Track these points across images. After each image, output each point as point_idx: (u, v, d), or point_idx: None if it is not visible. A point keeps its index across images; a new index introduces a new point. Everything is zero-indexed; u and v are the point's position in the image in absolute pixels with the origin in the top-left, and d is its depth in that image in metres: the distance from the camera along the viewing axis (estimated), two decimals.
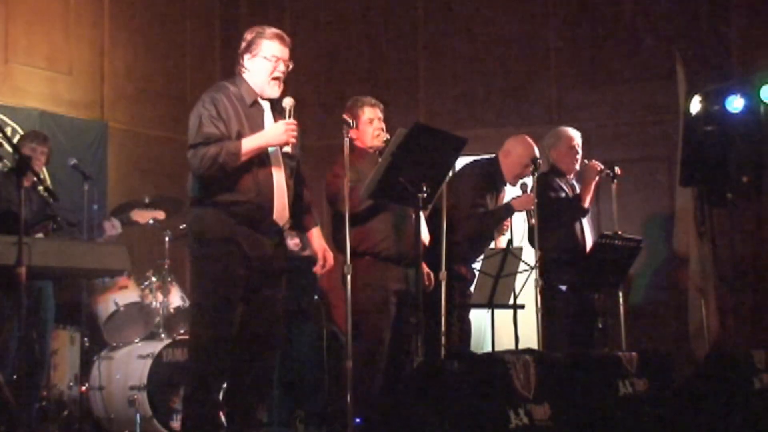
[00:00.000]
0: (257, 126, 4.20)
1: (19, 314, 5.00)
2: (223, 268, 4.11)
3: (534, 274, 5.33)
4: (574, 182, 6.01)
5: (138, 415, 5.55)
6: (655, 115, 7.46)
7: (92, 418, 5.76)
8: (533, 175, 5.55)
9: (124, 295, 5.88)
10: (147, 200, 5.98)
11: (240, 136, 4.10)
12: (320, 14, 8.52)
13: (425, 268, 4.96)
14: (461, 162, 5.76)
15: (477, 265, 5.40)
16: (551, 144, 6.01)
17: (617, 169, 5.75)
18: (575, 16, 7.83)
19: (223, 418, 4.37)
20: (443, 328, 4.84)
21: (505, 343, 5.39)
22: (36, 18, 7.08)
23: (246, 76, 4.26)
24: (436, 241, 4.93)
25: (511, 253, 5.26)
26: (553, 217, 5.73)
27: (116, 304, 5.84)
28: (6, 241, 4.24)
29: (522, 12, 7.95)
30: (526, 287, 5.40)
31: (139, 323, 5.98)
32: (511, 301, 5.38)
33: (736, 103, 6.62)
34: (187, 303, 6.08)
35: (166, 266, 6.06)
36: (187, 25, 8.19)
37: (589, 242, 5.84)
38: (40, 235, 5.30)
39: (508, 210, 5.54)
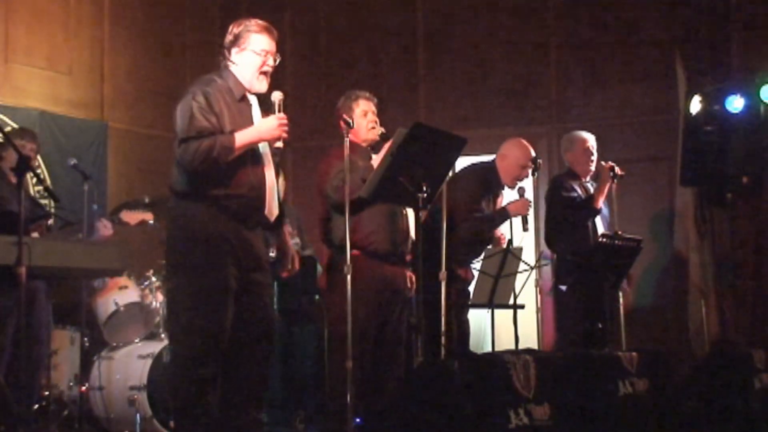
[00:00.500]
0: (246, 121, 4.12)
1: (19, 314, 5.01)
2: (213, 267, 3.97)
3: (534, 274, 5.34)
4: (588, 185, 6.05)
5: (138, 415, 5.54)
6: (655, 115, 7.46)
7: (92, 418, 5.76)
8: (533, 175, 5.57)
9: (124, 295, 5.88)
10: (147, 200, 5.98)
11: (232, 130, 4.01)
12: (320, 14, 8.52)
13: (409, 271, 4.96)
14: (461, 162, 5.77)
15: (477, 265, 5.40)
16: (566, 148, 6.13)
17: (617, 169, 5.78)
18: (575, 16, 7.82)
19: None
20: (443, 328, 4.84)
21: (505, 343, 5.40)
22: (36, 18, 7.08)
23: (233, 69, 4.15)
24: (435, 242, 4.93)
25: (511, 253, 5.26)
26: (566, 217, 5.79)
27: (116, 304, 5.84)
28: (6, 241, 4.23)
29: (522, 12, 7.95)
30: (526, 287, 5.41)
31: (139, 323, 5.98)
32: (511, 301, 5.39)
33: (736, 103, 6.62)
34: None
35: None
36: (187, 25, 8.19)
37: None
38: (35, 234, 5.29)
39: (503, 215, 5.54)
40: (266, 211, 4.14)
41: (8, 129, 5.85)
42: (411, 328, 4.82)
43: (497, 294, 5.31)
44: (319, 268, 6.80)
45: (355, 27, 8.43)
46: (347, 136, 4.53)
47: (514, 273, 5.31)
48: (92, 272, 5.28)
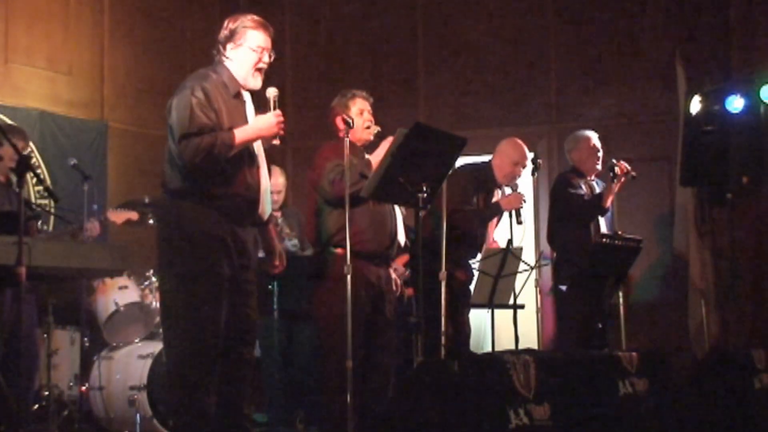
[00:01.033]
0: (241, 118, 4.09)
1: (18, 314, 5.01)
2: (208, 266, 3.95)
3: (534, 274, 5.34)
4: (594, 183, 6.05)
5: (138, 415, 5.55)
6: (655, 115, 7.46)
7: (92, 418, 5.76)
8: (533, 175, 5.57)
9: (124, 295, 5.88)
10: (147, 200, 5.97)
11: (230, 127, 3.99)
12: (320, 14, 8.52)
13: (395, 273, 4.95)
14: (461, 162, 5.77)
15: (477, 266, 5.40)
16: (571, 147, 6.14)
17: (617, 169, 5.78)
18: (575, 16, 7.82)
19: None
20: (443, 328, 4.83)
21: (505, 343, 5.40)
22: (36, 18, 7.08)
23: (228, 64, 4.13)
24: (435, 242, 4.93)
25: (511, 253, 5.26)
26: (571, 215, 5.80)
27: (116, 304, 5.84)
28: (5, 241, 4.23)
29: (522, 12, 7.95)
30: (526, 287, 5.41)
31: (139, 323, 5.98)
32: (511, 301, 5.39)
33: (736, 103, 6.63)
34: None
35: None
36: (187, 25, 8.19)
37: None
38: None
39: (496, 209, 5.56)
40: (260, 211, 4.14)
41: None
42: (411, 328, 4.81)
43: (497, 294, 5.31)
44: None
45: (355, 27, 8.42)
46: (347, 136, 4.52)
47: (514, 273, 5.31)
48: (92, 272, 5.27)
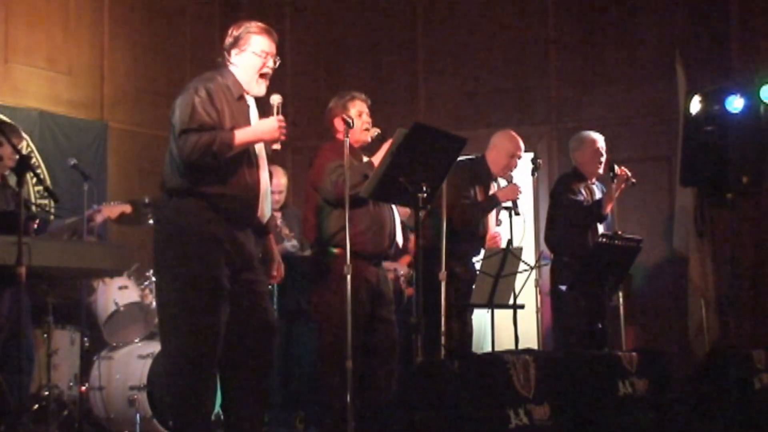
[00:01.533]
0: (244, 121, 4.11)
1: (18, 314, 5.01)
2: (206, 266, 3.94)
3: (534, 274, 5.34)
4: (594, 186, 6.05)
5: (138, 415, 5.54)
6: (655, 115, 7.46)
7: (92, 418, 5.75)
8: (533, 175, 5.57)
9: (124, 295, 5.87)
10: (147, 200, 5.97)
11: (232, 127, 4.00)
12: (320, 14, 8.53)
13: (399, 272, 4.96)
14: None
15: (477, 265, 5.40)
16: (575, 147, 6.13)
17: (617, 169, 5.77)
18: (575, 16, 7.83)
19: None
20: (443, 328, 4.83)
21: (505, 343, 5.39)
22: (36, 18, 7.08)
23: (233, 70, 4.15)
24: (435, 242, 4.94)
25: (511, 253, 5.26)
26: (570, 221, 5.80)
27: (116, 304, 5.83)
28: (6, 240, 4.23)
29: (522, 11, 7.95)
30: (526, 287, 5.40)
31: (139, 323, 5.97)
32: (511, 301, 5.39)
33: (736, 103, 6.63)
34: None
35: None
36: (187, 26, 8.19)
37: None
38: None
39: (493, 201, 5.57)
40: (258, 213, 4.13)
41: None
42: (411, 328, 4.81)
43: (497, 294, 5.31)
44: None
45: (355, 27, 8.42)
46: (347, 136, 4.52)
47: (514, 273, 5.31)
48: (92, 272, 5.28)
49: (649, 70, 7.52)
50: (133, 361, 5.71)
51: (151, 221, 6.02)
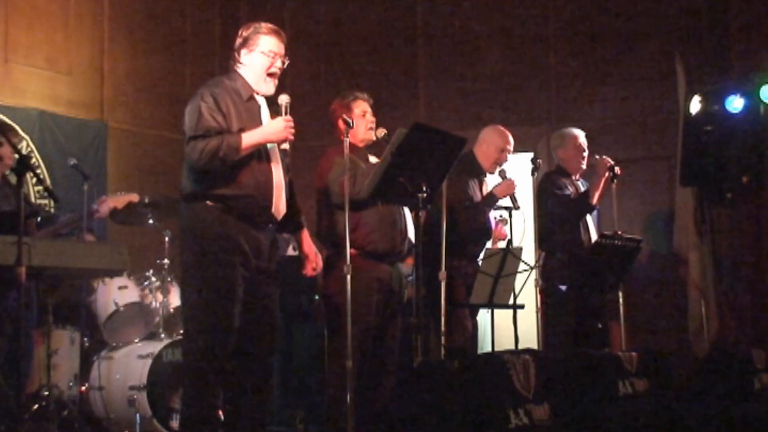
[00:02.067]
0: (255, 121, 4.18)
1: (18, 314, 5.00)
2: (222, 268, 4.04)
3: (534, 274, 5.34)
4: (579, 183, 6.05)
5: (138, 415, 5.54)
6: (655, 115, 7.46)
7: (92, 418, 5.75)
8: (533, 175, 5.56)
9: (124, 295, 5.87)
10: (147, 200, 5.98)
11: (240, 131, 4.08)
12: (320, 14, 8.52)
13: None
14: None
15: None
16: (557, 144, 6.12)
17: (617, 169, 5.78)
18: (575, 16, 7.82)
19: (221, 417, 4.34)
20: (443, 328, 4.84)
21: (505, 343, 5.39)
22: (36, 18, 7.08)
23: (241, 71, 4.23)
24: (436, 241, 4.94)
25: (511, 253, 5.26)
26: (560, 215, 5.77)
27: (116, 304, 5.83)
28: (6, 240, 4.23)
29: (522, 11, 7.95)
30: (526, 287, 5.40)
31: (139, 323, 5.98)
32: (511, 301, 5.39)
33: (736, 103, 6.62)
34: None
35: (166, 266, 6.06)
36: (187, 25, 8.19)
37: (593, 240, 5.86)
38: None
39: (491, 198, 5.56)
40: (273, 210, 4.18)
41: None
42: (411, 328, 4.81)
43: (497, 294, 5.31)
44: None
45: (355, 27, 8.42)
46: (347, 136, 4.53)
47: (514, 273, 5.31)
48: (92, 272, 5.28)
49: (649, 70, 7.51)
50: (133, 361, 5.71)
51: (151, 221, 6.05)
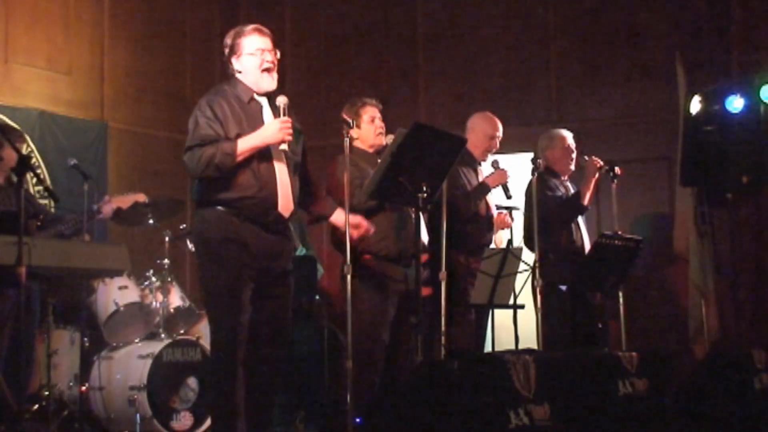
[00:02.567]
0: (257, 123, 4.21)
1: (18, 314, 5.01)
2: (230, 270, 4.10)
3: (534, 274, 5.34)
4: (568, 183, 6.04)
5: (138, 415, 5.55)
6: (655, 115, 7.46)
7: (92, 418, 5.75)
8: (533, 175, 5.55)
9: (124, 295, 5.87)
10: (147, 200, 5.97)
11: (239, 136, 4.11)
12: (320, 14, 8.52)
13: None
14: None
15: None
16: (545, 146, 6.09)
17: (617, 169, 5.77)
18: (576, 16, 7.83)
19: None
20: (443, 328, 4.84)
21: (505, 343, 5.40)
22: (36, 18, 7.08)
23: (239, 77, 4.28)
24: (437, 240, 4.94)
25: (511, 253, 5.26)
26: (552, 216, 5.75)
27: (116, 304, 5.83)
28: (6, 240, 4.23)
29: (522, 12, 7.95)
30: (526, 287, 5.40)
31: (139, 323, 5.98)
32: (511, 301, 5.39)
33: (736, 103, 6.63)
34: (187, 303, 6.09)
35: (166, 266, 6.06)
36: (187, 25, 8.19)
37: (585, 241, 5.86)
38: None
39: (484, 188, 5.55)
40: (280, 209, 4.20)
41: None
42: (411, 328, 4.82)
43: (497, 294, 5.31)
44: (320, 268, 6.81)
45: (355, 27, 8.42)
46: (347, 136, 4.53)
47: (514, 273, 5.31)
48: (92, 272, 5.28)
49: (649, 70, 7.52)
50: (133, 361, 5.71)
51: (151, 221, 6.05)
